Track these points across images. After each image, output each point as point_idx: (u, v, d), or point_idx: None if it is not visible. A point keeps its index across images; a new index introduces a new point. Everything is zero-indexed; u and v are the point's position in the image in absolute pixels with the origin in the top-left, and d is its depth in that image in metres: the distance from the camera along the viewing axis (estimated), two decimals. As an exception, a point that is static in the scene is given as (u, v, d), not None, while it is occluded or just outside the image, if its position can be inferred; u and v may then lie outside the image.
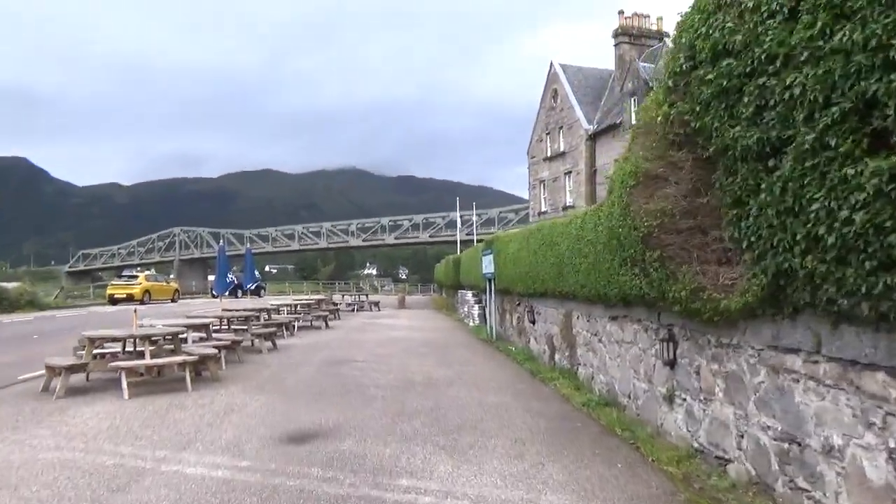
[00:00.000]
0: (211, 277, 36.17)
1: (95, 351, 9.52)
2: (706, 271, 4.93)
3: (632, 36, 37.92)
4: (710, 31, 4.16)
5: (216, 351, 10.05)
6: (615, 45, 38.43)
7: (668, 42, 31.59)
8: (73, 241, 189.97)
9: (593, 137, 36.29)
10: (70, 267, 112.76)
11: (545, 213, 40.60)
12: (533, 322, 12.56)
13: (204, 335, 11.76)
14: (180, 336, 10.07)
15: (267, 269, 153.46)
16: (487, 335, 16.36)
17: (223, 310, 15.66)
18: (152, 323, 11.37)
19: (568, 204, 38.06)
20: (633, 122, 31.88)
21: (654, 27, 38.77)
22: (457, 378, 9.72)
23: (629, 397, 7.48)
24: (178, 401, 7.91)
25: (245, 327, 13.72)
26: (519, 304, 14.11)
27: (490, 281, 15.99)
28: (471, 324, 20.05)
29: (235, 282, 28.95)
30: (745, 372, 4.92)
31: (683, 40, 4.60)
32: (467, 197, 58.35)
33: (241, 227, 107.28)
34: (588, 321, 9.08)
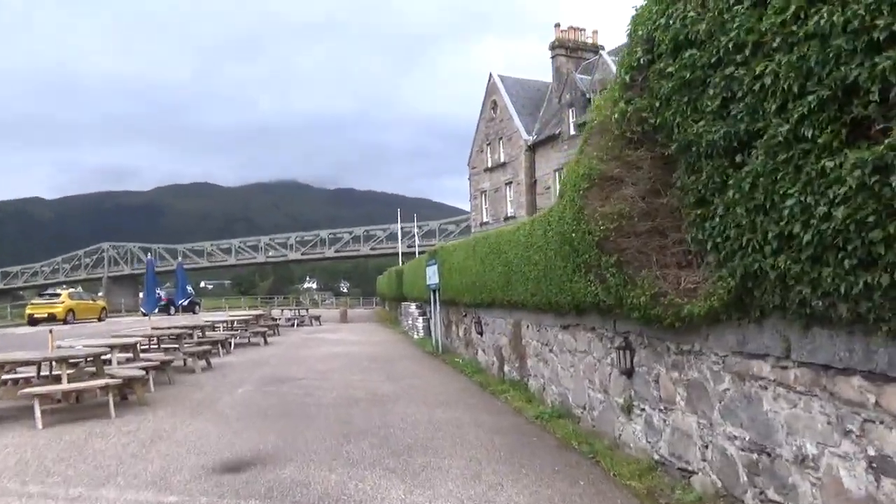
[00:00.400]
0: (142, 294, 34.59)
1: (6, 376, 8.69)
2: (666, 275, 4.72)
3: (568, 48, 38.52)
4: (671, 22, 3.96)
5: (143, 372, 9.33)
6: (552, 58, 38.95)
7: (604, 54, 32.25)
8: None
9: (532, 148, 36.61)
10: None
11: (487, 223, 40.64)
12: (480, 333, 12.28)
13: (131, 355, 10.97)
14: (103, 357, 9.31)
15: (202, 284, 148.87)
16: (433, 347, 15.99)
17: (153, 328, 14.78)
18: (72, 344, 10.52)
19: (509, 214, 38.21)
20: (572, 132, 32.26)
21: (590, 40, 39.54)
22: (403, 393, 9.31)
23: (584, 408, 7.25)
24: (100, 429, 7.23)
25: (177, 346, 12.94)
26: (465, 315, 13.81)
27: (435, 292, 15.65)
28: (415, 336, 19.64)
29: (165, 298, 27.64)
30: (709, 379, 4.73)
31: (640, 33, 4.40)
32: (408, 209, 58.05)
33: (174, 241, 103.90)
34: (538, 331, 8.84)
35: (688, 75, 3.83)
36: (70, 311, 29.85)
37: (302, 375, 11.35)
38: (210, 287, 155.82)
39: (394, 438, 6.58)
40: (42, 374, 9.27)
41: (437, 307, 15.58)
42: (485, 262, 10.69)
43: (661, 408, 5.45)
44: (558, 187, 34.20)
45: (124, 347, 10.80)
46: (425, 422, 7.36)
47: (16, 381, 9.40)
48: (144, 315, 37.29)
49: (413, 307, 20.73)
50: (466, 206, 47.45)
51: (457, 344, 14.95)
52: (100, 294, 65.57)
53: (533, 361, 9.21)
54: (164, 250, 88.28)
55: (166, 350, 13.25)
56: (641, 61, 4.41)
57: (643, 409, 5.80)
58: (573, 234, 6.07)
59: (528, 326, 9.34)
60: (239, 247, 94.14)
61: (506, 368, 10.67)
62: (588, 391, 7.13)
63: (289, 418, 7.64)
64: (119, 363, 10.66)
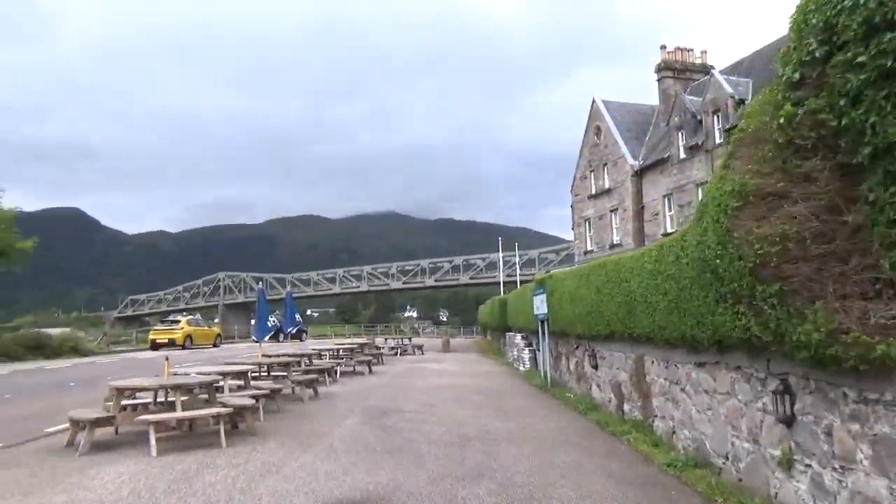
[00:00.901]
0: (253, 322, 35.95)
1: (125, 402, 8.85)
2: (848, 308, 3.94)
3: (675, 70, 37.09)
4: (861, 2, 3.29)
5: (254, 401, 9.27)
6: (658, 80, 37.61)
7: (716, 73, 30.66)
8: (122, 287, 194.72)
9: (639, 173, 35.25)
10: (119, 312, 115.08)
11: (591, 251, 39.39)
12: (595, 367, 11.50)
13: (242, 383, 11.02)
14: (217, 384, 9.34)
15: (308, 312, 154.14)
16: (542, 381, 15.26)
17: (262, 355, 14.98)
18: (187, 371, 10.68)
19: (615, 242, 36.85)
20: (682, 156, 30.80)
21: (699, 60, 37.94)
22: (517, 432, 8.71)
23: (726, 458, 6.39)
24: (210, 459, 7.11)
25: (285, 374, 12.97)
26: (577, 348, 13.05)
27: (543, 322, 14.98)
28: (521, 368, 18.95)
29: (276, 325, 28.42)
30: (907, 436, 3.88)
31: (813, 21, 3.73)
32: (507, 238, 57.45)
33: (283, 271, 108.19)
34: (666, 367, 8.02)
35: (889, 63, 3.13)
36: (188, 336, 31.36)
37: (409, 408, 10.98)
38: (316, 315, 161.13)
39: (512, 485, 6.00)
40: (158, 400, 9.40)
41: (546, 339, 14.88)
42: (601, 292, 9.98)
43: (836, 466, 4.59)
44: (669, 213, 32.50)
45: (236, 375, 10.87)
46: (545, 466, 6.73)
47: (134, 407, 9.59)
48: (256, 342, 38.75)
49: (518, 338, 20.08)
50: (566, 235, 46.46)
51: (567, 378, 14.17)
52: (216, 321, 69.03)
53: (659, 401, 8.38)
54: (274, 279, 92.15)
55: (275, 378, 13.32)
56: (816, 54, 3.73)
57: (809, 466, 4.93)
58: (717, 261, 5.35)
59: (653, 362, 8.53)
60: (343, 276, 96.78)
61: (625, 407, 9.85)
62: (732, 439, 6.27)
63: (399, 455, 7.24)
64: (231, 391, 10.72)
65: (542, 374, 15.63)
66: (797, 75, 3.93)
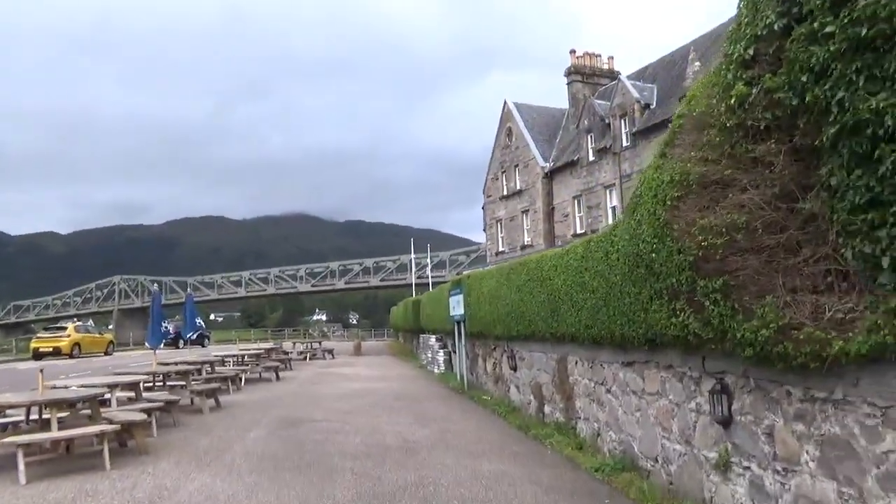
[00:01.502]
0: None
1: (-9, 422, 7.70)
2: (799, 302, 3.70)
3: (584, 74, 37.99)
4: (828, -32, 3.03)
5: (145, 415, 8.32)
6: (568, 84, 38.40)
7: (623, 79, 31.48)
8: (4, 292, 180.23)
9: (550, 175, 35.78)
10: (0, 320, 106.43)
11: (503, 252, 39.65)
12: (514, 369, 11.21)
13: (133, 395, 9.96)
14: (102, 398, 8.32)
15: (212, 317, 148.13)
16: (458, 384, 14.89)
17: (158, 363, 13.81)
18: (68, 383, 9.53)
19: (526, 243, 37.23)
20: (591, 158, 31.43)
21: (606, 66, 39.00)
22: (438, 439, 8.24)
23: (656, 460, 6.16)
24: (91, 485, 6.20)
25: (183, 383, 11.92)
26: (495, 349, 12.76)
27: (459, 323, 14.61)
28: (436, 371, 18.54)
29: (173, 331, 26.68)
30: (858, 436, 3.68)
31: (771, -8, 3.45)
32: (417, 240, 56.92)
33: (185, 274, 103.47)
34: (591, 367, 7.78)
35: (864, 32, 2.86)
36: (76, 344, 28.93)
37: (320, 416, 10.29)
38: (220, 319, 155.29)
39: (436, 499, 5.51)
40: (32, 418, 8.28)
41: (463, 340, 14.52)
42: (522, 291, 9.68)
43: (778, 468, 4.38)
44: (578, 214, 32.99)
45: (126, 386, 9.81)
46: (470, 478, 6.27)
47: (4, 427, 8.42)
48: (151, 349, 36.33)
49: (433, 340, 19.66)
50: (475, 238, 46.79)
51: (484, 380, 13.86)
52: (110, 327, 64.81)
53: (583, 402, 8.13)
54: (174, 283, 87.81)
55: (172, 388, 12.24)
56: (775, 27, 3.45)
57: (747, 468, 4.72)
58: (653, 255, 5.08)
59: (577, 362, 8.27)
60: (249, 279, 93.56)
61: (546, 409, 9.59)
62: (662, 441, 6.05)
63: (310, 472, 6.58)
64: (120, 404, 9.67)
65: (458, 376, 15.26)
66: (750, 52, 3.66)
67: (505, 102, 39.91)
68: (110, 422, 7.57)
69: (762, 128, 3.64)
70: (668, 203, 4.65)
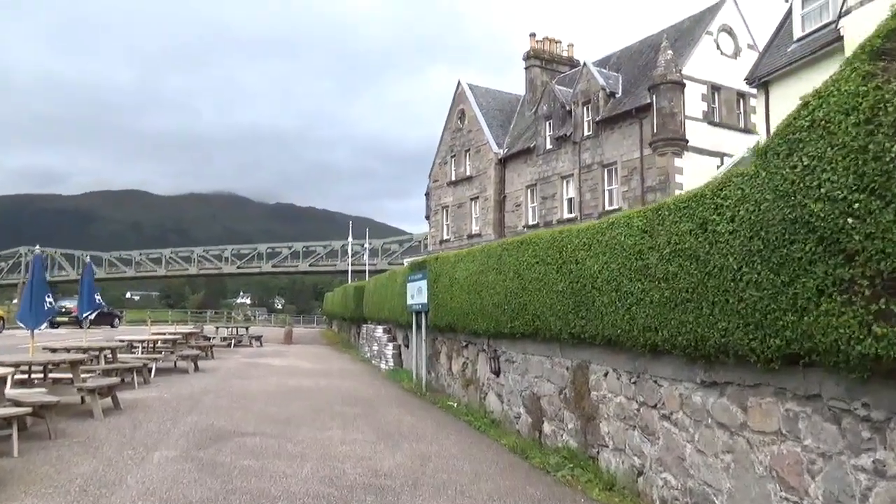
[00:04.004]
0: (66, 303, 29.62)
1: None
2: None
3: (543, 60, 36.28)
4: None
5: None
6: (526, 69, 36.63)
7: (589, 64, 29.82)
8: None
9: (503, 162, 33.94)
10: None
11: (447, 241, 37.60)
12: (496, 373, 9.13)
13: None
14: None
15: (128, 295, 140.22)
16: (413, 384, 12.70)
17: (44, 349, 11.04)
18: None
19: (474, 232, 35.31)
20: (548, 146, 29.70)
21: (566, 53, 37.46)
22: (419, 472, 6.03)
23: (766, 531, 4.18)
24: None
25: (70, 376, 9.24)
26: (467, 347, 10.64)
27: (419, 314, 12.43)
28: (383, 366, 16.28)
29: (75, 309, 23.20)
30: None
31: None
32: (347, 228, 53.81)
33: (102, 249, 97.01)
34: (635, 383, 5.75)
35: None
36: (-43, 319, 25.02)
37: (251, 428, 7.90)
38: (137, 298, 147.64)
39: None
40: None
41: (423, 334, 12.33)
42: (524, 276, 7.59)
43: None
44: (532, 204, 31.31)
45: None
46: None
47: None
48: (55, 326, 32.09)
49: (380, 331, 17.37)
50: (409, 228, 44.53)
51: (447, 381, 11.74)
52: (14, 301, 58.95)
53: (614, 427, 6.11)
54: (90, 257, 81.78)
55: (56, 382, 9.54)
56: None
57: None
58: (842, 220, 3.07)
59: (607, 373, 6.24)
60: (170, 257, 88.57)
61: (546, 428, 7.55)
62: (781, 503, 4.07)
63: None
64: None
65: (413, 375, 13.07)
66: None
67: (459, 83, 37.78)
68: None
69: None
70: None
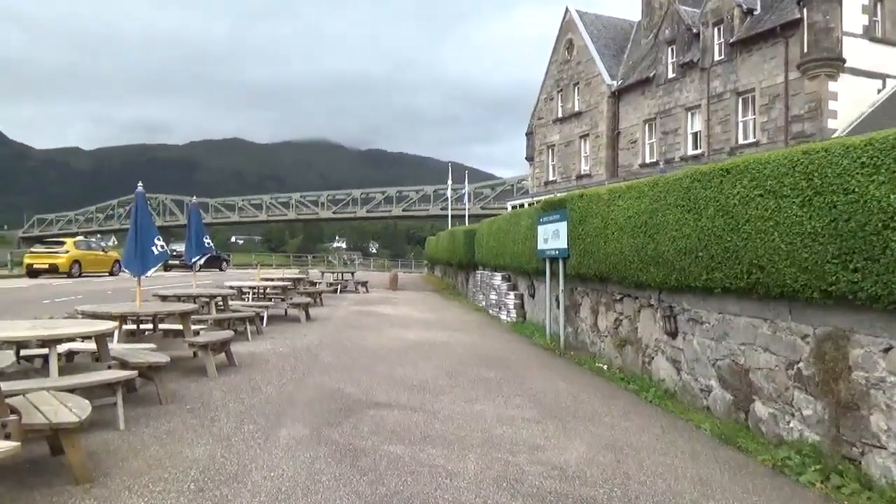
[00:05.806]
0: (177, 247, 29.56)
1: None
2: None
3: (663, -21, 32.68)
4: None
5: (82, 410, 4.62)
6: (643, -11, 33.20)
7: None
8: (29, 205, 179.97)
9: (616, 95, 31.15)
10: (24, 233, 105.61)
11: (554, 181, 35.48)
12: (671, 335, 7.42)
13: (96, 350, 6.31)
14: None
15: (233, 239, 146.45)
16: (546, 340, 11.20)
17: (154, 295, 10.30)
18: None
19: (584, 172, 32.99)
20: (671, 74, 26.69)
21: (688, -30, 33.60)
22: (617, 472, 4.50)
23: None
24: None
25: (181, 327, 8.30)
26: (621, 300, 8.96)
27: (556, 261, 10.80)
28: (504, 318, 14.86)
29: (171, 253, 22.74)
30: None
31: None
32: (438, 173, 52.33)
33: (206, 195, 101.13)
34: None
35: None
36: (75, 262, 25.60)
37: (384, 397, 6.64)
38: (240, 242, 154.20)
39: None
40: None
41: (561, 283, 10.72)
42: (734, 214, 5.78)
43: None
44: (649, 140, 28.88)
45: (78, 337, 6.18)
46: None
47: None
48: (168, 270, 32.64)
49: (498, 278, 15.90)
50: (498, 173, 42.33)
51: (590, 339, 10.14)
52: (115, 243, 61.94)
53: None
54: (196, 203, 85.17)
55: (165, 334, 8.68)
56: None
57: None
58: None
59: (889, 349, 4.43)
60: (270, 203, 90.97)
61: (759, 410, 5.83)
62: None
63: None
64: (65, 365, 6.13)
65: (547, 330, 11.55)
66: None
67: (567, 11, 34.84)
68: (31, 429, 3.95)
69: None
70: None
